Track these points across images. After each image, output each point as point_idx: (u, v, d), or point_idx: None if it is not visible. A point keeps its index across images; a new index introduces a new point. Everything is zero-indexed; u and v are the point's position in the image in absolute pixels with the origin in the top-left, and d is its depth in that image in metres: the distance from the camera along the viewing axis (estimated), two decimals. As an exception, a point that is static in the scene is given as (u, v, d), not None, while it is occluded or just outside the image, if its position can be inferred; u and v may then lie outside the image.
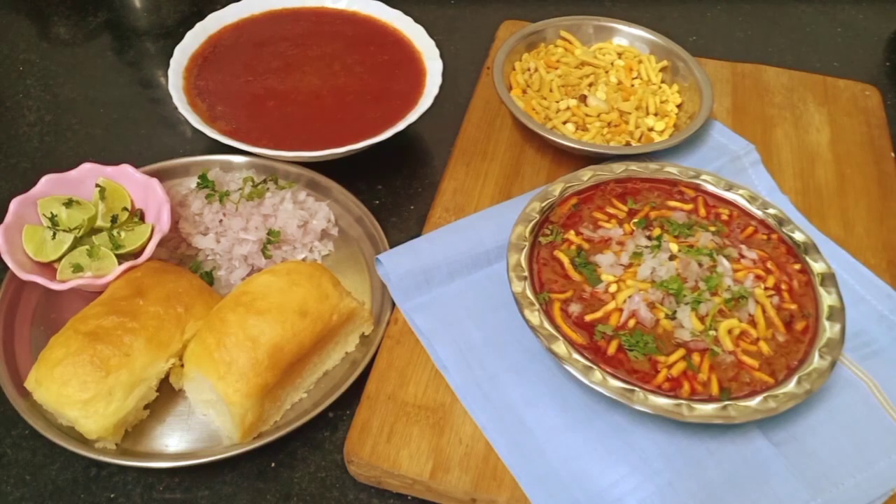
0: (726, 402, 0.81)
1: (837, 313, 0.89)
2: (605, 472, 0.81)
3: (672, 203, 1.00)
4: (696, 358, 0.84)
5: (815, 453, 0.83)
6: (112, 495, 0.85)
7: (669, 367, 0.83)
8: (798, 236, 0.96)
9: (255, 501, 0.85)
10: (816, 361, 0.84)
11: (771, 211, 0.99)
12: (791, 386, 0.82)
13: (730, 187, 1.01)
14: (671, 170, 1.03)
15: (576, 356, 0.83)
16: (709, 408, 0.80)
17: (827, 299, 0.90)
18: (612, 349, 0.84)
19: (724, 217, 0.98)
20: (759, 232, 0.97)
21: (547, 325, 0.85)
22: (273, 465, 0.88)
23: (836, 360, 0.84)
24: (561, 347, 0.83)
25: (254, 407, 0.83)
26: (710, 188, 1.01)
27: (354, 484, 0.87)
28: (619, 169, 1.03)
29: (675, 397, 0.81)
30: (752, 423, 0.82)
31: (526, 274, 0.90)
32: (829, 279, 0.92)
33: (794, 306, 0.89)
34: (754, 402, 0.81)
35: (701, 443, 0.82)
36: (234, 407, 0.82)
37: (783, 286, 0.91)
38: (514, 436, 0.84)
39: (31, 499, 0.85)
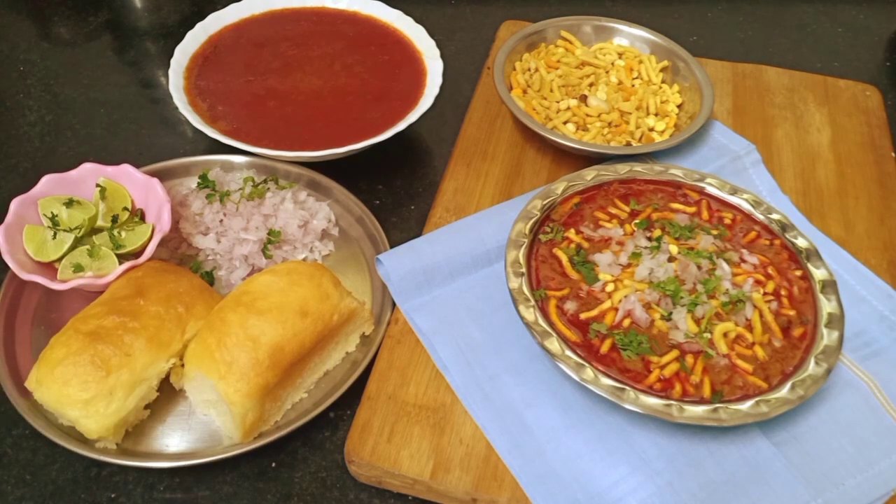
0: (717, 405, 0.80)
1: (836, 321, 0.88)
2: (606, 472, 0.80)
3: (675, 205, 0.99)
4: (689, 360, 0.84)
5: (816, 453, 0.83)
6: (112, 495, 0.85)
7: (662, 367, 0.83)
8: (801, 242, 0.96)
9: (256, 501, 0.85)
10: (812, 368, 0.84)
11: (774, 216, 0.98)
12: (784, 391, 0.82)
13: (734, 191, 1.01)
14: (676, 172, 1.03)
15: (569, 353, 0.83)
16: (699, 409, 0.80)
17: (827, 306, 0.90)
18: (605, 348, 0.84)
19: (727, 221, 0.98)
20: (762, 237, 0.97)
21: (542, 321, 0.85)
22: (273, 465, 0.88)
23: (832, 367, 0.84)
24: (554, 344, 0.83)
25: (254, 407, 0.83)
26: (715, 192, 1.01)
27: (355, 484, 0.87)
28: (623, 169, 1.02)
29: (667, 398, 0.81)
30: (749, 424, 0.82)
31: (523, 270, 0.90)
32: (829, 286, 0.91)
33: (792, 312, 0.89)
34: (746, 405, 0.81)
35: (701, 443, 0.82)
36: (235, 407, 0.82)
37: (783, 292, 0.91)
38: (515, 436, 0.84)
39: (32, 498, 0.85)
